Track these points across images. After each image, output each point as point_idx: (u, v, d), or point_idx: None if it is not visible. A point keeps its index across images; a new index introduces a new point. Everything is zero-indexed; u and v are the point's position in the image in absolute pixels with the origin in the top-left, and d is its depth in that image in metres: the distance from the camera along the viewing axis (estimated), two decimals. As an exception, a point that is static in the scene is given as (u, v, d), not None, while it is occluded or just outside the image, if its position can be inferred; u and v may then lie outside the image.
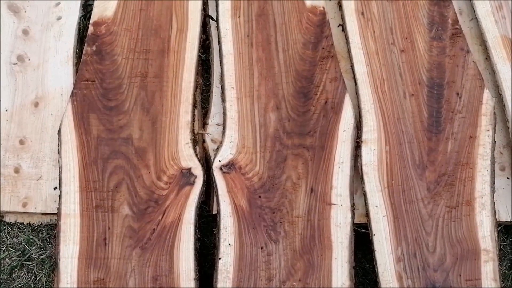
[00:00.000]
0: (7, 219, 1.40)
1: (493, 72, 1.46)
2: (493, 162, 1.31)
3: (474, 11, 1.53)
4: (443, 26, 1.46)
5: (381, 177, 1.29)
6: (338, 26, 1.54)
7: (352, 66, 1.43)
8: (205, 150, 1.41)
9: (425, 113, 1.36)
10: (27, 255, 1.38)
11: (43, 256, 1.38)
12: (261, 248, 1.23)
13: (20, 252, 1.38)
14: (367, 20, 1.48)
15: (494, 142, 1.33)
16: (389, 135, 1.34)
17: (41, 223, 1.39)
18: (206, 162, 1.39)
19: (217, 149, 1.34)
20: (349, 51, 1.45)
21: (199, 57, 1.45)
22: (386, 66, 1.42)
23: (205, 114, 1.48)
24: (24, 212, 1.37)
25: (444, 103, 1.36)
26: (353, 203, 1.28)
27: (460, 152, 1.31)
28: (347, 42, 1.46)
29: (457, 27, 1.46)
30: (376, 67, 1.42)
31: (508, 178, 1.38)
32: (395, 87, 1.40)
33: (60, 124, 1.34)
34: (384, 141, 1.33)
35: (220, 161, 1.31)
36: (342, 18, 1.49)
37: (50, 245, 1.38)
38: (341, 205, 1.27)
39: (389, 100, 1.38)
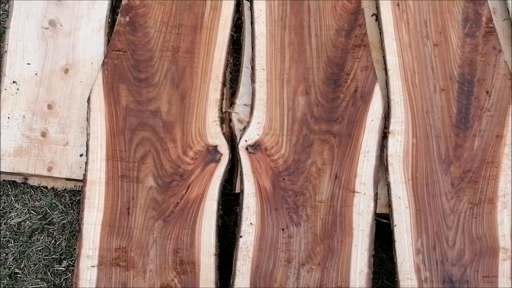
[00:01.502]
0: (31, 182, 1.41)
1: (523, 73, 1.46)
2: (517, 163, 1.31)
3: (508, 12, 1.51)
4: (477, 23, 1.45)
5: (405, 169, 1.30)
6: (372, 16, 1.53)
7: (383, 56, 1.42)
8: (231, 129, 1.41)
9: (454, 109, 1.36)
10: (48, 219, 1.39)
11: (65, 221, 1.39)
12: (282, 229, 1.25)
13: (41, 215, 1.39)
14: (402, 11, 1.47)
15: (520, 143, 1.33)
16: (416, 128, 1.34)
17: (65, 188, 1.40)
18: (231, 141, 1.39)
19: (244, 129, 1.35)
20: (381, 41, 1.44)
21: (231, 36, 1.44)
22: (418, 59, 1.41)
23: (233, 94, 1.48)
24: (48, 176, 1.38)
25: (474, 100, 1.36)
26: (376, 193, 1.28)
27: (486, 150, 1.32)
28: (380, 32, 1.45)
29: (491, 25, 1.45)
30: (408, 59, 1.41)
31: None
32: (426, 81, 1.39)
33: (90, 92, 1.35)
34: (411, 134, 1.33)
35: (246, 141, 1.32)
36: (377, 7, 1.48)
37: (72, 211, 1.39)
38: (364, 194, 1.27)
39: (419, 93, 1.38)
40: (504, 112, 1.35)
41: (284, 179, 1.29)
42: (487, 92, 1.38)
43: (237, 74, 1.51)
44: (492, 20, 1.46)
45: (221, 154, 1.30)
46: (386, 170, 1.31)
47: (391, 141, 1.32)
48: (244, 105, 1.44)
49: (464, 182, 1.29)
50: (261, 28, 1.44)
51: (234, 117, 1.42)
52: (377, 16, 1.49)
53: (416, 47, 1.43)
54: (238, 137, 1.35)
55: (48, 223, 1.39)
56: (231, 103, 1.45)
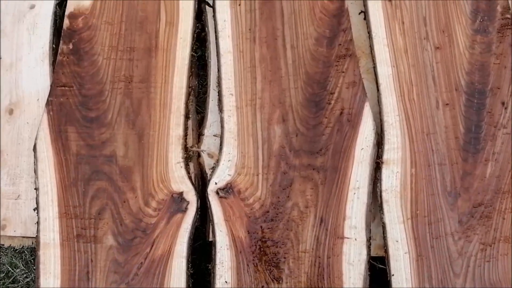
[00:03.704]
0: (-13, 241, 1.29)
1: (548, 72, 1.20)
2: (540, 188, 1.10)
3: (530, -7, 1.24)
4: (489, 15, 1.19)
5: (404, 206, 1.10)
6: (360, 13, 1.28)
7: (374, 67, 1.19)
8: (200, 166, 1.23)
9: (462, 128, 1.13)
10: (12, 278, 1.28)
11: (28, 279, 1.28)
12: (262, 287, 1.09)
13: (4, 274, 1.29)
14: (395, 7, 1.21)
15: (543, 163, 1.11)
16: (416, 154, 1.13)
17: (23, 246, 1.28)
18: (202, 180, 1.22)
19: (213, 168, 1.17)
20: (371, 48, 1.20)
21: (192, 56, 1.23)
22: (416, 68, 1.18)
23: (201, 121, 1.28)
24: (3, 235, 1.25)
25: (486, 115, 1.13)
26: (369, 237, 1.10)
27: (501, 177, 1.10)
28: (370, 37, 1.21)
29: (508, 16, 1.18)
30: (404, 69, 1.18)
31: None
32: (426, 94, 1.16)
33: (36, 139, 1.18)
34: (409, 162, 1.12)
35: (216, 183, 1.14)
36: (365, 4, 1.23)
37: (34, 267, 1.27)
38: (355, 239, 1.09)
39: (418, 110, 1.15)
40: (523, 128, 1.12)
41: (261, 227, 1.12)
42: (503, 103, 1.14)
43: (204, 97, 1.31)
44: (509, 8, 1.19)
45: (188, 202, 1.13)
46: (380, 208, 1.12)
47: (386, 173, 1.12)
48: (214, 135, 1.24)
49: (474, 218, 1.09)
50: (226, 43, 1.22)
51: (204, 152, 1.24)
52: (365, 15, 1.24)
53: (413, 52, 1.18)
54: (208, 177, 1.18)
55: (12, 281, 1.28)
56: (199, 135, 1.26)
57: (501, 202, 1.09)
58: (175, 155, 1.16)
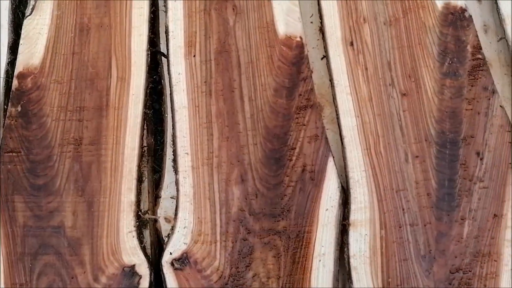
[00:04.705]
0: None
1: (529, 115, 1.11)
2: (525, 247, 1.00)
3: (503, 29, 1.15)
4: (459, 56, 1.10)
5: (374, 273, 1.01)
6: (322, 59, 1.21)
7: (337, 118, 1.11)
8: (157, 232, 1.15)
9: (434, 183, 1.04)
10: None
11: None
12: None
13: None
14: (358, 52, 1.13)
15: (527, 218, 1.01)
16: (385, 214, 1.03)
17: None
18: (159, 247, 1.14)
19: (168, 236, 1.09)
20: (333, 97, 1.13)
21: (145, 114, 1.16)
22: (382, 117, 1.09)
23: (158, 181, 1.21)
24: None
25: (460, 168, 1.04)
26: (337, 309, 1.01)
27: (480, 237, 1.00)
28: (332, 85, 1.13)
29: (479, 56, 1.10)
30: (369, 119, 1.09)
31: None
32: (394, 147, 1.07)
33: (-19, 210, 1.12)
34: (378, 223, 1.03)
35: (171, 253, 1.06)
36: (325, 50, 1.16)
37: None
38: (322, 313, 1.00)
39: (386, 165, 1.06)
40: (503, 181, 1.02)
41: (220, 301, 1.03)
42: (478, 154, 1.04)
43: (162, 154, 1.23)
44: (480, 48, 1.11)
45: (140, 277, 1.05)
46: (348, 276, 1.02)
47: (353, 236, 1.03)
48: (171, 197, 1.16)
49: (452, 286, 0.98)
50: (181, 97, 1.15)
51: (160, 214, 1.16)
52: (327, 60, 1.16)
53: (378, 100, 1.10)
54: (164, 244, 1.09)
55: None
56: (156, 197, 1.18)
57: (481, 266, 0.99)
58: (127, 224, 1.08)
